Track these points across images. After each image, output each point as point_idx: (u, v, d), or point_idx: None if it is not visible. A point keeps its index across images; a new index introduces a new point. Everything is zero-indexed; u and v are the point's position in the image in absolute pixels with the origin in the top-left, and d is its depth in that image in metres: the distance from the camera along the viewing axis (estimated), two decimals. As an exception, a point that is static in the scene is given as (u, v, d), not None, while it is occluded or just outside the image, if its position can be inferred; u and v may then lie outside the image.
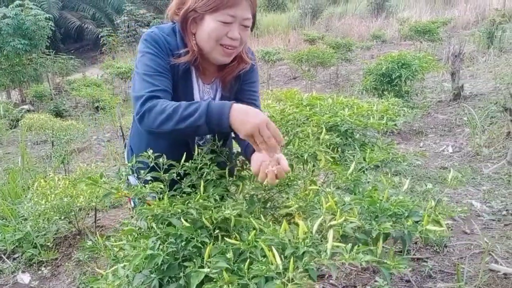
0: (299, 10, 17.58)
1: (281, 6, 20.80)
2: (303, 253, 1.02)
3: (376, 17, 15.67)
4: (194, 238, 1.13)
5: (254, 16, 1.48)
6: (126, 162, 1.68)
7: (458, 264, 2.38)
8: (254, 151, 1.31)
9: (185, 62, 1.46)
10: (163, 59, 1.45)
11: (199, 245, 1.12)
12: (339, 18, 16.44)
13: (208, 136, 1.63)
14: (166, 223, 1.18)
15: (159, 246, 1.13)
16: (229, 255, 1.05)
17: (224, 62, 1.50)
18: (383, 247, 1.22)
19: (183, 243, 1.13)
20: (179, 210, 1.15)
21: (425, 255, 2.60)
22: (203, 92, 1.61)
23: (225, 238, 1.12)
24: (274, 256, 0.98)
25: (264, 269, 0.97)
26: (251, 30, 1.52)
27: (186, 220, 1.13)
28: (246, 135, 1.20)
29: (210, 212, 1.15)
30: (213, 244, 1.11)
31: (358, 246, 1.05)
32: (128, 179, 1.59)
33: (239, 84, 1.64)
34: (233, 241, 1.08)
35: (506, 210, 3.10)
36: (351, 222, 1.13)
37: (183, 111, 1.27)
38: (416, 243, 2.69)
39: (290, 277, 0.95)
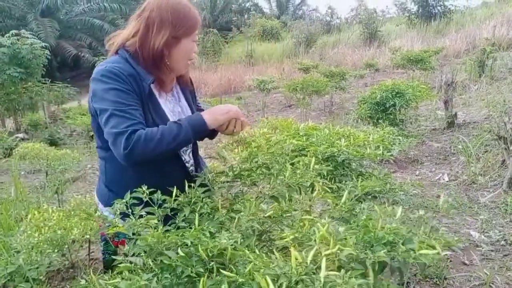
0: (293, 40, 17.92)
1: (275, 36, 21.19)
2: (297, 282, 1.00)
3: (368, 46, 15.98)
4: (188, 269, 1.11)
5: None
6: (103, 207, 1.71)
7: (458, 297, 2.35)
8: None
9: (148, 84, 1.56)
10: (128, 91, 1.48)
11: (194, 275, 1.09)
12: (333, 47, 16.74)
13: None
14: (160, 258, 1.15)
15: (155, 281, 1.11)
16: (224, 286, 1.02)
17: (184, 72, 1.72)
18: (380, 279, 1.20)
19: (177, 274, 1.11)
20: (173, 241, 1.13)
21: (425, 287, 2.57)
22: (167, 101, 1.70)
23: (220, 270, 1.10)
24: (268, 286, 0.97)
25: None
26: None
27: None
28: (224, 122, 1.59)
29: (206, 243, 1.13)
30: (208, 277, 1.08)
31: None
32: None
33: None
34: (228, 273, 1.06)
35: (505, 240, 3.08)
36: (345, 251, 1.11)
37: (169, 134, 1.44)
38: (415, 275, 2.65)
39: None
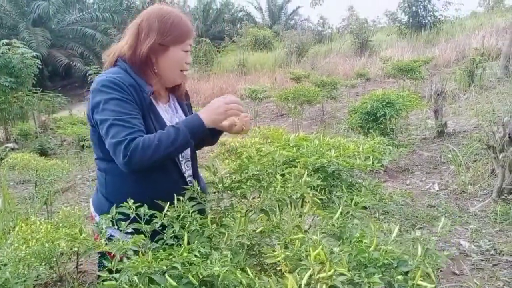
0: (285, 49, 17.99)
1: (268, 45, 21.27)
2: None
3: (360, 55, 16.10)
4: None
5: None
6: (98, 216, 1.67)
7: (449, 308, 2.34)
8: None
9: (148, 94, 1.57)
10: (128, 101, 1.50)
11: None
12: (324, 56, 16.85)
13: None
14: (148, 280, 1.13)
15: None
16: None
17: (179, 82, 1.73)
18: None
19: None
20: (164, 267, 1.11)
21: (416, 298, 2.56)
22: (165, 112, 1.71)
23: None
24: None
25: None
26: None
27: (170, 276, 1.09)
28: (224, 121, 1.52)
29: (197, 267, 1.11)
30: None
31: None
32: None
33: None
34: None
35: (494, 249, 3.10)
36: (341, 275, 1.10)
37: (167, 138, 1.44)
38: (406, 285, 2.65)
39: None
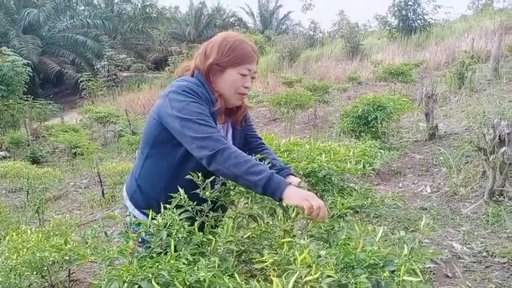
0: (277, 54, 18.02)
1: (259, 50, 21.24)
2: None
3: (351, 59, 16.16)
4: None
5: None
6: (128, 200, 1.79)
7: (441, 310, 2.35)
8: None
9: (217, 113, 1.70)
10: (206, 108, 1.62)
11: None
12: (316, 61, 16.89)
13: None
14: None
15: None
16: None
17: (237, 104, 1.81)
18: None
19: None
20: (150, 275, 1.10)
21: (409, 301, 2.57)
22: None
23: None
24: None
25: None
26: None
27: (158, 283, 1.09)
28: (297, 203, 1.44)
29: (183, 274, 1.11)
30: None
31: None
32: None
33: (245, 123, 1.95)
34: None
35: (486, 251, 3.11)
36: (328, 276, 1.10)
37: (251, 166, 1.48)
38: (398, 289, 2.66)
39: None
